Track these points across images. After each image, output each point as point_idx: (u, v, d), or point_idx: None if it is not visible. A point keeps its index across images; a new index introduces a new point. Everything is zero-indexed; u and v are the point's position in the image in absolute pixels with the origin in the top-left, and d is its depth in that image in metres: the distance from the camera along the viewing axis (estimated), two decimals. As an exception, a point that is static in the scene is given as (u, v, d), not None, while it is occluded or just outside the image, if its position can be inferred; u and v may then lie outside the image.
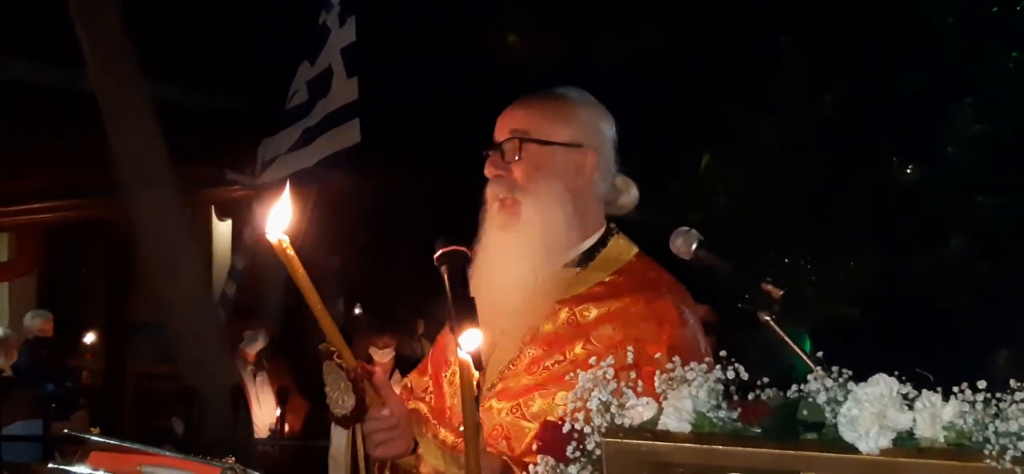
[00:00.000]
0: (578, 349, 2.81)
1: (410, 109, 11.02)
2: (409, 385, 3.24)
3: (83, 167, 11.15)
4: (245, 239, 10.49)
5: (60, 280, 16.17)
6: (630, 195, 3.09)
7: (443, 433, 2.92)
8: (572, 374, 2.69)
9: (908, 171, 8.34)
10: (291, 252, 2.44)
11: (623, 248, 3.02)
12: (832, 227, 8.53)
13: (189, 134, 10.05)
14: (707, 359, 2.70)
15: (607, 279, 2.93)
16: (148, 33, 8.84)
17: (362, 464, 2.86)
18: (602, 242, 3.00)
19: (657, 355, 2.39)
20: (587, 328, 2.84)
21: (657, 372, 2.03)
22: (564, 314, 2.88)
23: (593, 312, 2.86)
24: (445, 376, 3.09)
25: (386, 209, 12.91)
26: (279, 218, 2.42)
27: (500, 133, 2.99)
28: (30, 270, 15.82)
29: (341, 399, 2.75)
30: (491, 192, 2.97)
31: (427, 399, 3.12)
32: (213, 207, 13.34)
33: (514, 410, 2.82)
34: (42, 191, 13.53)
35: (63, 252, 16.04)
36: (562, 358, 2.82)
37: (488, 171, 2.97)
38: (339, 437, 2.92)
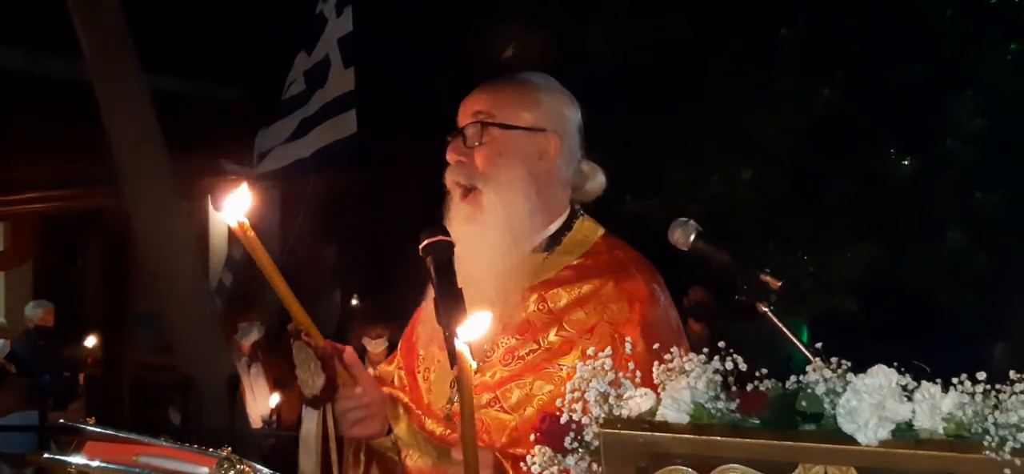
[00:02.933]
0: (552, 336, 2.80)
1: (406, 99, 11.00)
2: (379, 374, 3.22)
3: (80, 157, 11.14)
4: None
5: (56, 270, 16.15)
6: (596, 181, 3.07)
7: (430, 424, 2.91)
8: (560, 364, 2.72)
9: (906, 163, 8.33)
10: (251, 235, 2.45)
11: (589, 230, 3.00)
12: (830, 219, 8.53)
13: (186, 124, 10.04)
14: (681, 336, 2.73)
15: (575, 262, 2.92)
16: (145, 23, 8.82)
17: (333, 445, 2.84)
18: (567, 225, 2.99)
19: (640, 335, 2.38)
20: (559, 314, 2.83)
21: (643, 351, 2.02)
22: (534, 300, 2.87)
23: (563, 298, 2.85)
24: (417, 370, 3.07)
25: (382, 198, 12.90)
26: (236, 203, 2.44)
27: (463, 118, 2.98)
28: (25, 260, 15.81)
29: (311, 379, 2.74)
30: (451, 179, 2.95)
31: (399, 386, 3.11)
32: (210, 197, 13.31)
33: (491, 403, 2.80)
34: (38, 181, 13.52)
35: (59, 242, 16.02)
36: (537, 346, 2.81)
37: (450, 156, 2.95)
38: (310, 419, 2.90)
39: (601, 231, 3.01)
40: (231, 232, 12.52)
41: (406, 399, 3.02)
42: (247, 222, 2.46)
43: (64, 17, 8.43)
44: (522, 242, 2.90)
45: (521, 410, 2.74)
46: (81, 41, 8.48)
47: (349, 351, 2.84)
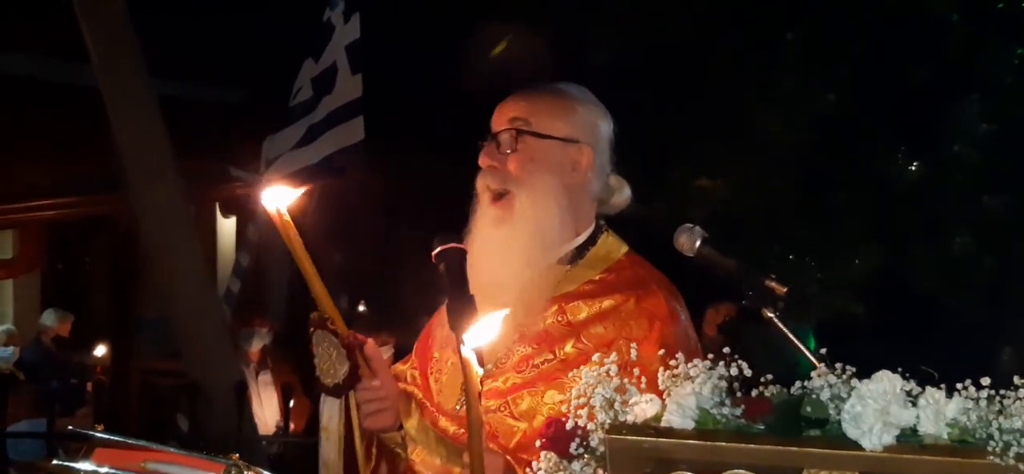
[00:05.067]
0: (569, 348, 2.80)
1: (414, 105, 11.01)
2: (394, 372, 3.22)
3: (87, 163, 11.18)
4: (249, 235, 10.51)
5: (64, 277, 16.18)
6: (623, 195, 3.05)
7: (444, 423, 2.92)
8: (571, 373, 2.71)
9: (913, 168, 8.32)
10: (288, 219, 2.50)
11: (613, 246, 2.99)
12: (837, 223, 8.51)
13: (193, 130, 10.06)
14: (699, 356, 2.70)
15: (597, 277, 2.91)
16: (152, 28, 8.84)
17: (357, 433, 2.84)
18: (592, 240, 2.98)
19: (659, 353, 2.39)
20: (578, 327, 2.82)
21: (659, 370, 2.02)
22: (553, 312, 2.86)
23: (583, 311, 2.84)
24: (430, 371, 3.07)
25: (390, 205, 12.91)
26: (277, 192, 2.52)
27: (498, 123, 2.97)
28: (34, 267, 15.84)
29: (333, 368, 2.75)
30: (482, 183, 2.94)
31: (411, 383, 3.12)
32: (217, 203, 13.35)
33: (501, 408, 2.80)
34: (46, 187, 13.55)
35: (67, 248, 16.05)
36: (552, 356, 2.81)
37: (482, 160, 2.95)
38: (331, 408, 2.90)
39: (624, 248, 3.00)
40: (239, 239, 12.59)
41: (420, 395, 3.04)
42: (285, 210, 2.54)
43: (71, 22, 8.45)
44: (549, 251, 2.89)
45: (530, 418, 2.74)
46: (88, 47, 8.49)
47: (370, 343, 2.85)
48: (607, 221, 3.04)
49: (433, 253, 2.65)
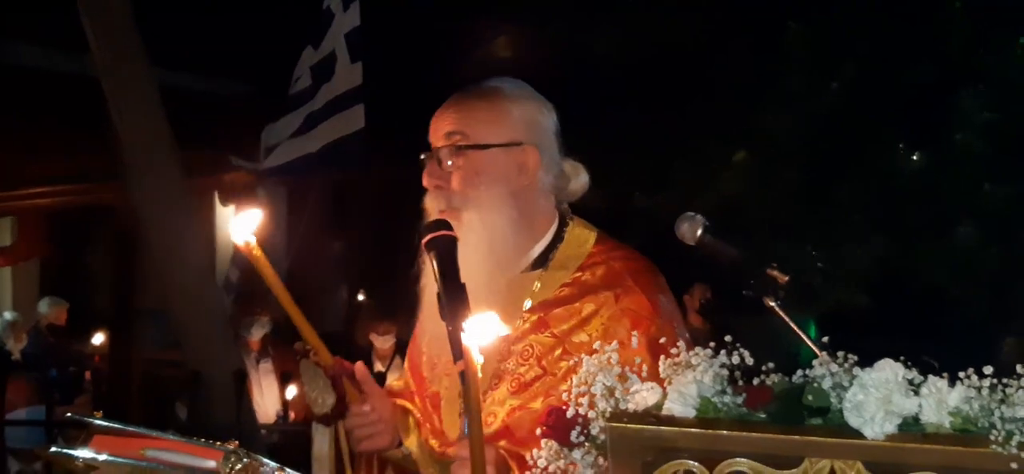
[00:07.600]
0: (558, 361, 2.74)
1: (414, 93, 11.00)
2: (395, 389, 3.18)
3: (87, 152, 11.17)
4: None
5: (64, 265, 16.18)
6: (580, 180, 2.96)
7: (432, 441, 2.90)
8: (567, 383, 2.68)
9: (915, 158, 8.30)
10: (259, 253, 2.46)
11: (582, 237, 2.91)
12: (839, 213, 8.50)
13: (193, 119, 10.04)
14: (686, 342, 2.66)
15: (571, 278, 2.83)
16: (152, 18, 8.83)
17: (347, 462, 2.83)
18: (558, 236, 2.89)
19: (644, 351, 2.37)
20: (562, 337, 2.76)
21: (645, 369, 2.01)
22: (535, 323, 2.80)
23: (565, 321, 2.77)
24: (427, 394, 3.00)
25: (390, 194, 12.90)
26: (246, 221, 2.47)
27: (435, 139, 2.86)
28: (33, 255, 15.85)
29: (320, 397, 2.74)
30: (430, 204, 2.83)
31: (409, 398, 3.07)
32: (216, 192, 13.34)
33: (503, 433, 2.73)
34: (46, 176, 13.56)
35: (67, 237, 16.05)
36: (542, 372, 2.75)
37: (426, 181, 2.84)
38: (322, 437, 2.88)
39: (594, 235, 2.92)
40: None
41: (417, 414, 3.00)
42: (254, 241, 2.48)
43: (72, 12, 8.44)
44: (506, 265, 2.80)
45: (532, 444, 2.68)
46: (89, 36, 8.48)
47: (359, 367, 2.81)
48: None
49: (423, 241, 2.60)
